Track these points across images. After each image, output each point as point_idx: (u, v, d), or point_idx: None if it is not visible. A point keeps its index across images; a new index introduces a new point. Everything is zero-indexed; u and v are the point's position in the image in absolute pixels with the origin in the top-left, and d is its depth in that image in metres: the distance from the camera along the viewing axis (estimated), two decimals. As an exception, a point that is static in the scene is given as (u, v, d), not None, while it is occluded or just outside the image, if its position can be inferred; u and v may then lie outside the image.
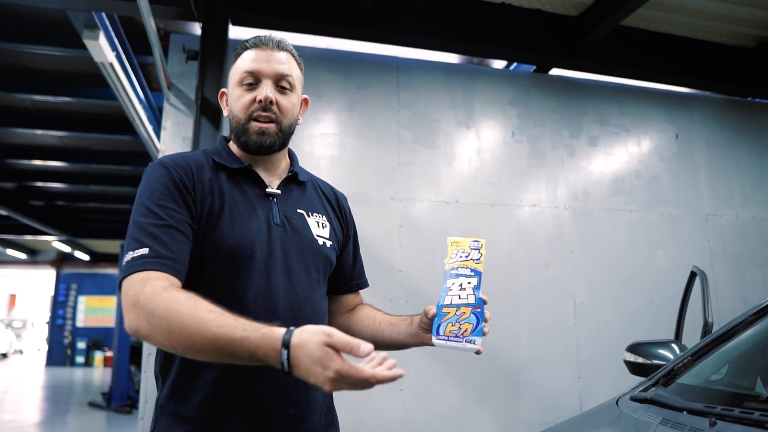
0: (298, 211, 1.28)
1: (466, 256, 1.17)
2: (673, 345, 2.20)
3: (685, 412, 1.30)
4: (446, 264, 1.19)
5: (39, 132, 6.00)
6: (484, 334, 1.11)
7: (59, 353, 15.92)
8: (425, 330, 1.22)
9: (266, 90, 1.23)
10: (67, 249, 14.40)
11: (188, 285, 1.08)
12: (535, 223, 3.97)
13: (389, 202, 3.70)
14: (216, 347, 0.92)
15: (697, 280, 2.73)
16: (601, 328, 3.91)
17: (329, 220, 1.34)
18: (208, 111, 3.23)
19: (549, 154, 4.13)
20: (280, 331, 0.89)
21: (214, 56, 3.31)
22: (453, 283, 1.15)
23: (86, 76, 4.84)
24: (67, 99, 5.12)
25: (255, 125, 1.23)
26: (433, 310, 1.18)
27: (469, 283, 1.14)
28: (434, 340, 1.13)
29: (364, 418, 3.42)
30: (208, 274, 1.14)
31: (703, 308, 2.27)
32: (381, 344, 1.33)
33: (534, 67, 4.41)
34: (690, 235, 4.35)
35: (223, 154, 1.27)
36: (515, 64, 4.48)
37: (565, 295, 3.92)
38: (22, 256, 16.05)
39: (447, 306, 1.13)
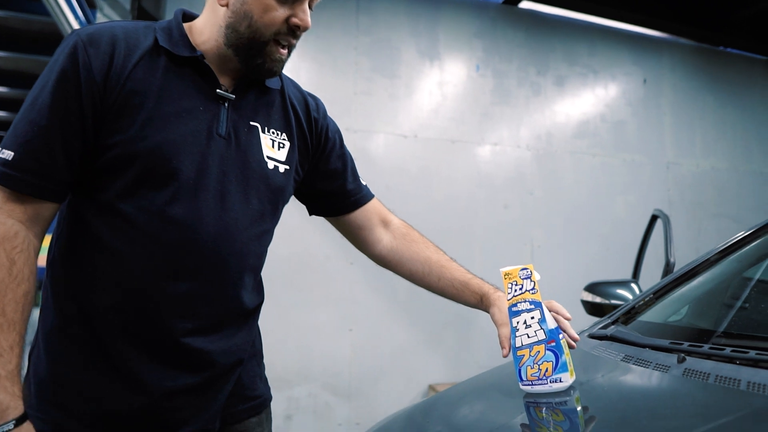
0: (252, 123, 1.03)
1: (520, 289, 1.11)
2: (632, 285, 2.09)
3: (648, 349, 1.17)
4: (507, 302, 1.12)
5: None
6: (570, 370, 1.04)
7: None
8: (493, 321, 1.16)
9: (308, 14, 0.98)
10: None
11: (99, 200, 0.90)
12: (495, 162, 3.81)
13: (344, 133, 3.45)
14: None
15: (659, 223, 2.64)
16: (557, 272, 3.83)
17: (290, 139, 1.09)
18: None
19: (514, 91, 3.94)
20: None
21: (151, -41, 2.96)
22: (518, 322, 1.09)
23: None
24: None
25: (278, 51, 0.99)
26: (501, 328, 1.13)
27: (532, 318, 1.08)
28: (521, 387, 1.07)
29: (310, 358, 3.28)
30: (122, 187, 0.91)
31: (665, 249, 2.17)
32: (434, 292, 1.23)
33: (503, -1, 4.16)
34: (650, 183, 4.27)
35: (174, 34, 0.99)
36: (484, -6, 4.22)
37: (523, 238, 3.81)
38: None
39: (519, 348, 1.07)
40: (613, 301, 1.97)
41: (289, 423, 3.24)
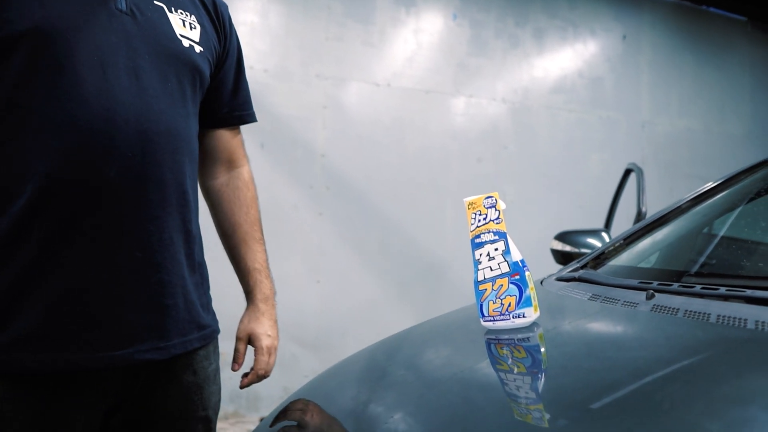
0: (156, 2, 0.94)
1: (484, 219, 1.03)
2: (603, 234, 2.06)
3: (617, 288, 1.12)
4: (469, 233, 1.05)
5: None
6: (534, 306, 0.97)
7: None
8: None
9: None
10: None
11: None
12: (470, 115, 3.73)
13: (314, 80, 3.34)
14: None
15: (632, 178, 2.60)
16: (528, 228, 3.80)
17: (201, 23, 1.00)
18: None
19: (491, 42, 3.83)
20: None
21: None
22: (480, 254, 1.02)
23: None
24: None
25: None
26: (237, 343, 1.15)
27: (496, 249, 1.01)
28: (482, 323, 1.01)
29: (277, 310, 3.22)
30: (16, 75, 0.81)
31: (637, 199, 2.14)
32: (226, 251, 1.19)
33: (484, -54, 4.01)
34: (625, 141, 4.24)
35: None
36: (464, -60, 4.06)
37: (496, 192, 3.76)
38: None
39: (482, 282, 1.01)
40: (584, 250, 1.94)
41: (255, 374, 3.20)
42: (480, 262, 1.02)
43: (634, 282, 1.13)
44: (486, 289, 1.00)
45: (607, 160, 4.11)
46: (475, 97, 3.75)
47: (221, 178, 1.14)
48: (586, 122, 4.09)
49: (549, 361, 0.88)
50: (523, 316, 0.97)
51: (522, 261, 1.01)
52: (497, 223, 1.02)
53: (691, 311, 0.90)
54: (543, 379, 0.81)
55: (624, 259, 1.53)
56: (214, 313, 1.07)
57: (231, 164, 1.15)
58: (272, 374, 3.42)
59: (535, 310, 0.99)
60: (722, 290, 0.95)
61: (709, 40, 4.75)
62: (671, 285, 1.06)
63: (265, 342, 1.14)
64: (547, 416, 0.70)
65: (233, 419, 3.14)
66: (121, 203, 0.86)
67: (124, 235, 0.87)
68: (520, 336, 0.97)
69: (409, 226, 3.50)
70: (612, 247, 1.58)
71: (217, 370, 1.06)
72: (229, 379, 3.27)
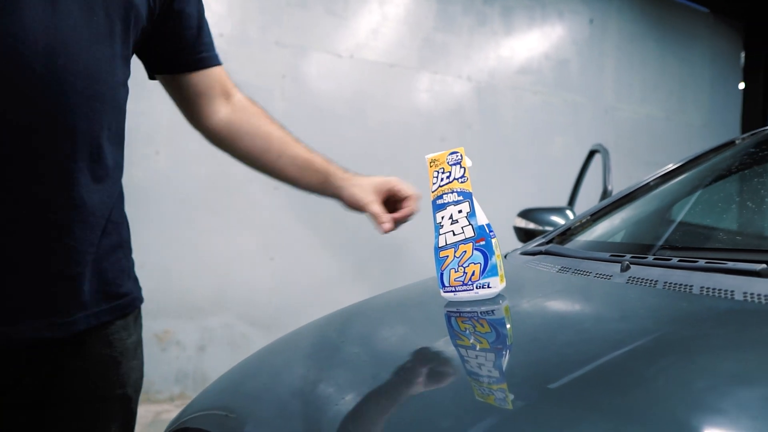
0: None
1: (447, 177, 0.93)
2: (568, 212, 1.99)
3: (588, 260, 1.04)
4: (431, 194, 0.94)
5: None
6: (500, 275, 0.87)
7: None
8: (353, 204, 1.01)
9: None
10: None
11: None
12: (434, 91, 3.62)
13: (273, 47, 3.17)
14: None
15: (597, 159, 2.56)
16: (489, 209, 3.72)
17: None
18: None
19: (459, 18, 3.72)
20: None
21: None
22: (442, 217, 0.90)
23: None
24: None
25: None
26: (371, 206, 0.99)
27: (459, 211, 0.90)
28: (443, 294, 0.90)
29: (227, 287, 3.08)
30: None
31: (603, 178, 2.08)
32: (271, 174, 1.05)
33: None
34: (589, 126, 4.22)
35: None
36: None
37: (461, 147, 3.68)
38: None
39: (443, 249, 0.90)
40: (548, 228, 1.87)
41: (202, 354, 3.06)
42: (441, 226, 0.90)
43: (606, 255, 1.05)
44: (447, 256, 0.89)
45: (570, 144, 4.08)
46: (440, 73, 3.64)
47: (223, 110, 1.02)
48: (551, 104, 4.04)
49: (517, 335, 0.79)
50: (488, 287, 0.86)
51: (488, 225, 0.90)
52: (462, 182, 0.91)
53: (671, 283, 0.82)
54: (510, 355, 0.72)
55: (591, 234, 1.46)
56: (136, 279, 0.93)
57: (228, 96, 1.03)
58: (221, 355, 3.27)
59: (501, 280, 0.88)
60: (701, 262, 0.88)
61: (673, 29, 4.76)
62: (645, 257, 0.98)
63: (402, 183, 1.05)
64: (517, 395, 0.60)
65: (179, 401, 2.99)
66: (22, 152, 0.71)
67: (23, 190, 0.72)
68: (483, 309, 0.88)
69: (368, 204, 3.38)
70: (579, 223, 1.52)
71: (138, 343, 0.92)
72: (176, 359, 3.12)
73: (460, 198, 0.91)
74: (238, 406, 0.86)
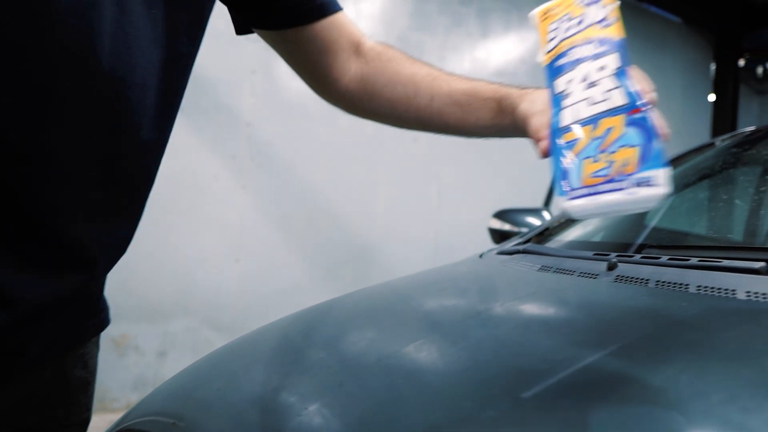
0: None
1: (580, 23, 0.59)
2: (544, 213, 1.94)
3: (570, 259, 0.97)
4: (544, 57, 0.62)
5: None
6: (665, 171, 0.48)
7: None
8: (520, 122, 0.69)
9: None
10: None
11: None
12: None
13: (243, 42, 3.04)
14: None
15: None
16: (463, 212, 3.69)
17: None
18: None
19: (434, 18, 3.67)
20: None
21: None
22: (569, 81, 0.56)
23: None
24: None
25: None
26: (534, 118, 0.64)
27: (601, 68, 0.55)
28: (566, 203, 0.52)
29: (191, 290, 2.95)
30: None
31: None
32: (430, 126, 0.82)
33: None
34: (563, 131, 4.21)
35: None
36: None
37: (431, 174, 3.62)
38: None
39: (568, 129, 0.54)
40: (524, 229, 1.81)
41: (163, 360, 2.92)
42: (566, 95, 0.56)
43: (588, 254, 0.98)
44: (577, 140, 0.53)
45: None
46: (415, 73, 3.59)
47: (354, 66, 0.83)
48: (525, 109, 4.02)
49: (495, 339, 0.71)
50: (650, 184, 0.48)
51: (639, 92, 0.53)
52: (605, 27, 0.58)
53: (664, 282, 0.75)
54: (492, 358, 0.64)
55: (571, 234, 1.39)
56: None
57: (357, 48, 0.84)
58: (183, 361, 3.13)
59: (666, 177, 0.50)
60: (694, 261, 0.81)
61: (647, 37, 4.80)
62: (633, 256, 0.91)
63: None
64: (491, 405, 0.52)
65: (137, 408, 2.85)
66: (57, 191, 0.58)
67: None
68: (461, 306, 0.80)
69: (338, 205, 3.29)
70: (557, 223, 1.45)
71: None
72: (134, 365, 2.96)
73: (603, 49, 0.56)
74: (187, 413, 0.79)
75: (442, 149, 3.65)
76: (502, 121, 0.75)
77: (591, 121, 0.53)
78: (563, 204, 0.52)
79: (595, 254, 0.98)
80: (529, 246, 1.17)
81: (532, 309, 0.79)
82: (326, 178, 3.27)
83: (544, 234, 1.41)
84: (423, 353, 0.74)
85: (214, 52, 2.96)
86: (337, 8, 0.81)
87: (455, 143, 3.66)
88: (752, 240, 1.16)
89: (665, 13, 4.98)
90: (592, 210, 0.51)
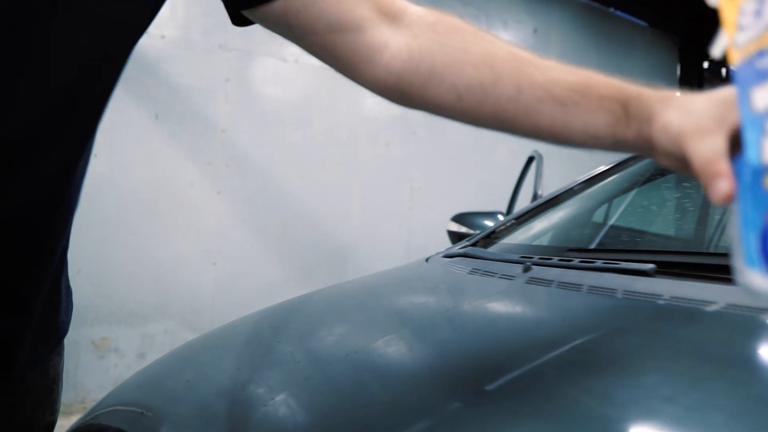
0: None
1: None
2: (500, 216, 2.05)
3: (497, 262, 1.08)
4: (730, 50, 0.43)
5: None
6: None
7: None
8: (669, 145, 0.48)
9: None
10: None
11: None
12: (379, 98, 3.65)
13: (217, 50, 3.15)
14: None
15: (535, 163, 2.64)
16: (435, 215, 3.80)
17: None
18: None
19: (405, 25, 3.78)
20: None
21: None
22: None
23: None
24: None
25: None
26: (699, 143, 0.44)
27: None
28: (759, 279, 0.36)
29: (168, 293, 3.03)
30: None
31: (534, 183, 2.15)
32: (508, 126, 0.58)
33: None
34: (532, 133, 4.34)
35: None
36: None
37: (403, 178, 3.73)
38: None
39: None
40: (480, 232, 1.92)
41: (143, 361, 2.99)
42: None
43: (515, 256, 1.10)
44: None
45: (515, 150, 4.18)
46: (387, 80, 3.70)
47: (395, 40, 0.62)
48: (495, 112, 4.14)
49: (404, 338, 0.82)
50: None
51: None
52: None
53: (564, 282, 0.86)
54: (432, 357, 0.75)
55: (516, 238, 1.51)
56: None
57: (394, 17, 0.63)
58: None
59: None
60: (599, 263, 0.93)
61: (613, 41, 4.95)
62: (550, 259, 1.03)
63: None
64: (447, 396, 0.63)
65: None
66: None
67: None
68: (391, 311, 0.90)
69: (313, 209, 3.39)
70: (503, 227, 1.56)
71: (63, 365, 0.87)
72: (114, 367, 3.03)
73: None
74: (155, 403, 0.83)
75: (414, 153, 3.76)
76: (625, 133, 0.53)
77: None
78: (756, 281, 0.37)
79: (522, 257, 1.09)
80: (468, 250, 1.28)
81: (455, 308, 0.91)
82: (300, 183, 3.36)
83: (491, 237, 1.52)
84: (385, 350, 0.83)
85: (187, 61, 3.05)
86: None
87: (427, 148, 3.78)
88: (654, 244, 1.28)
89: (631, 17, 5.14)
90: None
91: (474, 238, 1.53)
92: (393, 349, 0.79)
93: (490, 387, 0.60)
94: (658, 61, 5.35)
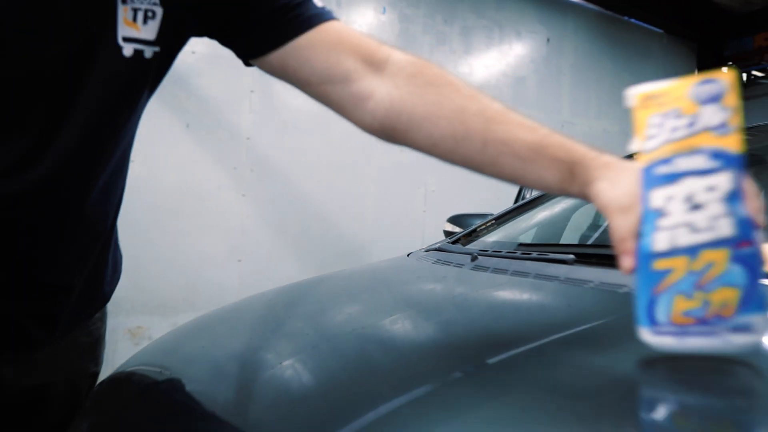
0: None
1: (690, 125, 0.52)
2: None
3: (456, 254, 1.29)
4: (640, 154, 0.54)
5: None
6: None
7: None
8: (601, 208, 0.59)
9: None
10: None
11: None
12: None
13: (242, 65, 3.40)
14: None
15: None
16: (448, 217, 3.98)
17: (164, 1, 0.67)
18: None
19: (419, 37, 3.99)
20: None
21: None
22: (668, 197, 0.50)
23: None
24: None
25: None
26: (620, 218, 0.55)
27: (710, 188, 0.49)
28: (650, 336, 0.51)
29: (196, 287, 3.30)
30: None
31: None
32: (476, 169, 0.71)
33: (417, -56, 4.16)
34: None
35: None
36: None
37: (417, 182, 3.93)
38: None
39: (665, 256, 0.50)
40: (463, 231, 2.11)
41: (173, 349, 3.27)
42: (664, 214, 0.50)
43: (474, 249, 1.30)
44: (670, 270, 0.49)
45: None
46: (401, 89, 3.90)
47: (379, 89, 0.72)
48: (507, 119, 4.30)
49: (361, 314, 1.03)
50: (747, 330, 0.49)
51: (752, 221, 0.49)
52: (721, 135, 0.50)
53: (498, 268, 1.07)
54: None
55: (494, 236, 1.70)
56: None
57: (377, 66, 0.72)
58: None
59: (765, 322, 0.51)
60: (534, 254, 1.13)
61: (628, 48, 5.06)
62: (500, 251, 1.23)
63: None
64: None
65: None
66: None
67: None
68: (363, 294, 1.12)
69: (330, 210, 3.63)
70: (483, 226, 1.76)
71: (105, 327, 1.02)
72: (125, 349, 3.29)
73: (715, 164, 0.49)
74: (172, 364, 0.93)
75: (428, 158, 3.95)
76: (569, 188, 0.64)
77: (690, 251, 0.48)
78: (645, 335, 0.51)
79: (479, 251, 1.29)
80: (443, 245, 1.49)
81: (408, 288, 1.12)
82: (319, 186, 3.60)
83: (471, 235, 1.72)
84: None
85: (215, 75, 3.32)
86: (326, 18, 0.70)
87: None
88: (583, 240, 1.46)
89: (646, 24, 5.24)
90: (677, 349, 0.50)
91: (456, 235, 1.74)
92: (342, 318, 1.00)
93: (416, 340, 0.81)
94: (676, 69, 5.42)
